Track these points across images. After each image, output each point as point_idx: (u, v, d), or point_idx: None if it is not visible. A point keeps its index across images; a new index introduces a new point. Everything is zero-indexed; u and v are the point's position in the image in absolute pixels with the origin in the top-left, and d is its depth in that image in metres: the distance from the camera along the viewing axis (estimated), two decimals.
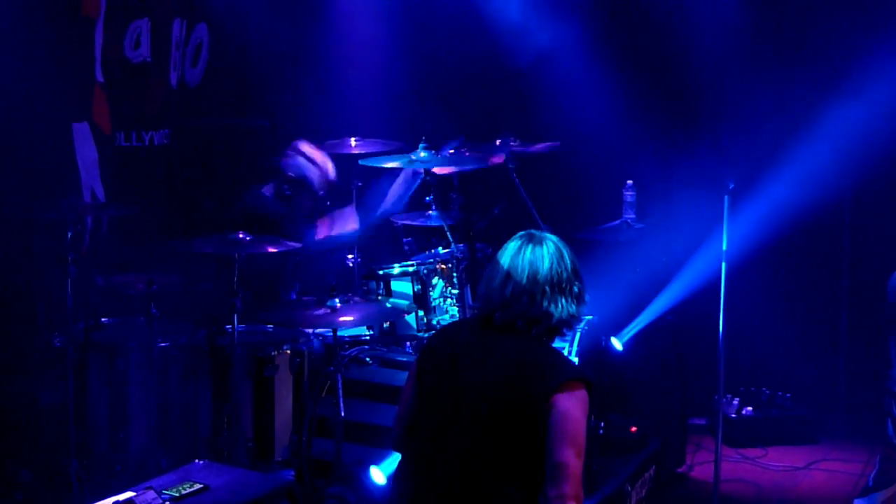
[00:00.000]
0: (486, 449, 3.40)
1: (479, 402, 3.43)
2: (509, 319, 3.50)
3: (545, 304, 3.49)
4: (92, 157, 6.21)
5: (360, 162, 6.13)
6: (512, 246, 3.59)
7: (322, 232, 6.13)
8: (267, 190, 6.09)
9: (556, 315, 3.51)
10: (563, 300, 3.52)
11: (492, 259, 3.66)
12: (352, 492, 4.78)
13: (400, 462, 3.63)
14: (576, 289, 3.55)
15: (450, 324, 3.81)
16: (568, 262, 3.55)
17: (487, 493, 3.40)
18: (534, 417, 3.37)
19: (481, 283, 3.61)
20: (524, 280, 3.50)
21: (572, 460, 3.35)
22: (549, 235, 3.60)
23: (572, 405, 3.38)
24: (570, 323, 3.57)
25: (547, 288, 3.50)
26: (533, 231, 3.62)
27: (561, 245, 3.58)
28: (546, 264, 3.51)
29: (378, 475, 4.73)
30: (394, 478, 3.66)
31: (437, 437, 3.48)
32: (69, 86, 6.06)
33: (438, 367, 3.57)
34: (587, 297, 3.62)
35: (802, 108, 7.28)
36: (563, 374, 3.42)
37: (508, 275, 3.53)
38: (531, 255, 3.53)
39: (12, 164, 5.70)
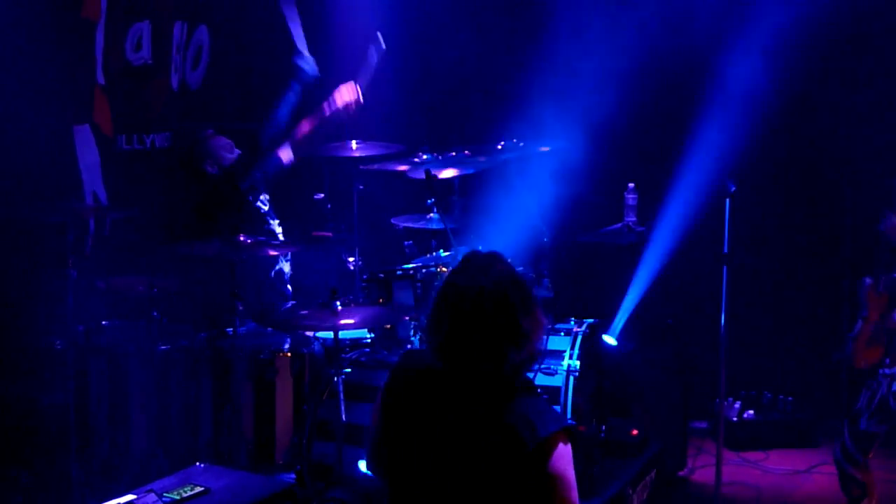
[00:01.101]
0: None
1: (454, 466, 3.21)
2: (467, 363, 3.21)
3: (499, 340, 3.18)
4: (93, 160, 6.21)
5: (361, 167, 6.18)
6: (454, 275, 3.26)
7: (286, 156, 6.09)
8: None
9: (516, 350, 3.19)
10: (520, 331, 3.19)
11: (433, 290, 3.40)
12: (353, 495, 4.77)
13: None
14: (530, 320, 3.20)
15: (408, 363, 3.43)
16: (519, 287, 3.21)
17: None
18: (517, 484, 3.16)
19: (428, 318, 3.27)
20: (472, 317, 3.18)
21: None
22: (496, 256, 3.26)
23: (558, 466, 3.18)
24: (533, 357, 3.23)
25: (500, 321, 3.17)
26: (476, 252, 3.30)
27: (508, 266, 3.25)
28: (496, 295, 3.17)
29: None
30: None
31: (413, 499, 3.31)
32: (70, 88, 6.07)
33: (404, 421, 3.32)
34: (545, 324, 3.24)
35: (801, 107, 7.29)
36: (540, 435, 3.15)
37: (455, 309, 3.20)
38: (476, 286, 3.18)
39: (13, 167, 5.69)
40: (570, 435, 3.22)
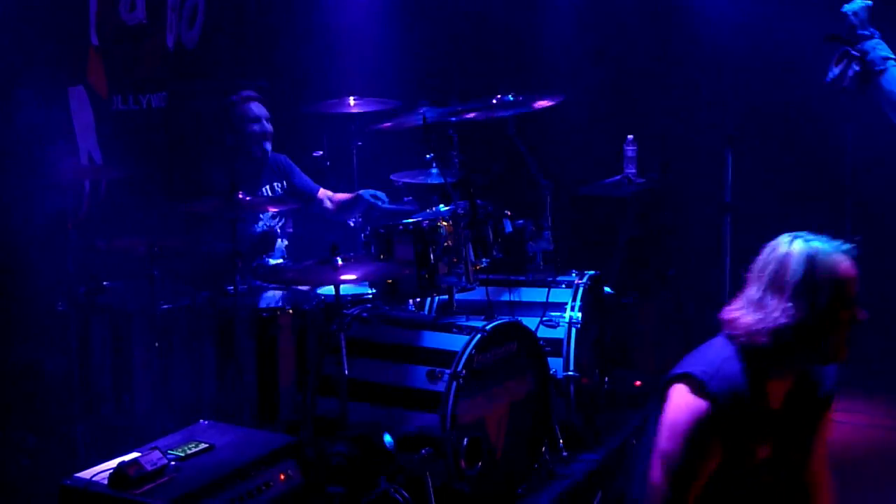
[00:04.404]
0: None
1: None
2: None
3: (745, 303, 3.16)
4: (88, 121, 6.18)
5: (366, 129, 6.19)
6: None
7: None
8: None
9: (751, 320, 3.12)
10: (768, 303, 3.11)
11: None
12: (356, 450, 4.77)
13: None
14: (787, 298, 3.08)
15: None
16: (794, 266, 3.10)
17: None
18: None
19: None
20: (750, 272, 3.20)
21: (655, 470, 3.15)
22: (803, 239, 3.16)
23: (669, 405, 3.16)
24: (769, 337, 3.09)
25: (760, 282, 3.15)
26: (794, 235, 3.20)
27: (800, 249, 3.12)
28: (771, 263, 3.16)
29: None
30: None
31: None
32: (64, 49, 6.02)
33: None
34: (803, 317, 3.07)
35: (804, 54, 7.23)
36: (677, 369, 3.19)
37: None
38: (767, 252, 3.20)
39: (9, 129, 5.67)
40: (689, 383, 3.13)
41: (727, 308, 3.22)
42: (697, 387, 3.11)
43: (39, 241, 5.59)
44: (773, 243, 3.19)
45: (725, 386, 3.11)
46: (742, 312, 3.15)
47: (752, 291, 3.15)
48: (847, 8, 4.50)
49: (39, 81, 5.84)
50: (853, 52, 4.49)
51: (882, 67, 4.38)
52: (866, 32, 4.47)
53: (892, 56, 4.40)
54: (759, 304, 3.12)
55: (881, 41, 4.46)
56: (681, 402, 3.12)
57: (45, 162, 5.56)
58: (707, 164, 6.70)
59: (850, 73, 4.51)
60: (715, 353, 3.19)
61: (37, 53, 5.79)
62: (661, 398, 3.19)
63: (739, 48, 7.27)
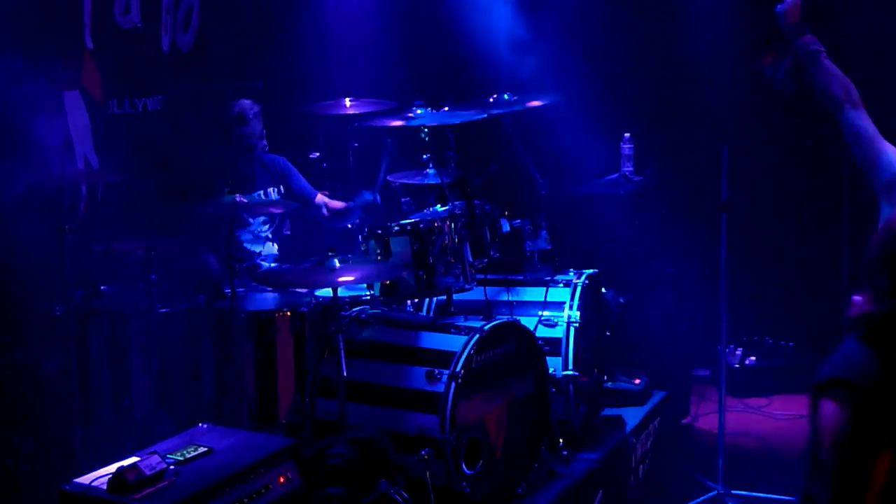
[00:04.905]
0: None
1: None
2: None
3: (877, 296, 3.04)
4: (84, 125, 6.17)
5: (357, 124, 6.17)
6: None
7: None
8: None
9: (871, 305, 3.03)
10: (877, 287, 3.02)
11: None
12: (356, 452, 4.77)
13: None
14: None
15: None
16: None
17: None
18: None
19: None
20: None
21: (825, 485, 2.97)
22: None
23: (822, 415, 2.99)
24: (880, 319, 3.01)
25: (888, 271, 3.02)
26: None
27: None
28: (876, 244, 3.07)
29: None
30: None
31: None
32: (59, 54, 6.01)
33: None
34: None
35: None
36: (821, 375, 3.04)
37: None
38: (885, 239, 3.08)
39: (4, 134, 5.66)
40: (837, 388, 2.98)
41: (855, 307, 3.12)
42: (847, 389, 2.98)
43: (36, 246, 5.57)
44: (886, 228, 3.10)
45: (874, 382, 3.00)
46: (878, 307, 3.05)
47: (882, 282, 3.04)
48: (780, 8, 4.67)
49: (35, 86, 5.83)
50: (788, 49, 4.66)
51: (813, 59, 4.56)
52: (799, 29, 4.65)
53: (822, 49, 4.57)
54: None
55: (813, 36, 4.62)
56: (834, 410, 2.98)
57: (41, 166, 5.54)
58: (704, 161, 6.69)
59: (783, 69, 4.66)
60: (854, 354, 3.08)
61: (32, 58, 5.78)
62: (812, 410, 3.05)
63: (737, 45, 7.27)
